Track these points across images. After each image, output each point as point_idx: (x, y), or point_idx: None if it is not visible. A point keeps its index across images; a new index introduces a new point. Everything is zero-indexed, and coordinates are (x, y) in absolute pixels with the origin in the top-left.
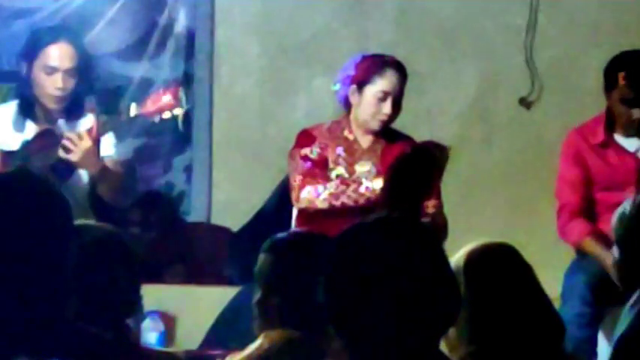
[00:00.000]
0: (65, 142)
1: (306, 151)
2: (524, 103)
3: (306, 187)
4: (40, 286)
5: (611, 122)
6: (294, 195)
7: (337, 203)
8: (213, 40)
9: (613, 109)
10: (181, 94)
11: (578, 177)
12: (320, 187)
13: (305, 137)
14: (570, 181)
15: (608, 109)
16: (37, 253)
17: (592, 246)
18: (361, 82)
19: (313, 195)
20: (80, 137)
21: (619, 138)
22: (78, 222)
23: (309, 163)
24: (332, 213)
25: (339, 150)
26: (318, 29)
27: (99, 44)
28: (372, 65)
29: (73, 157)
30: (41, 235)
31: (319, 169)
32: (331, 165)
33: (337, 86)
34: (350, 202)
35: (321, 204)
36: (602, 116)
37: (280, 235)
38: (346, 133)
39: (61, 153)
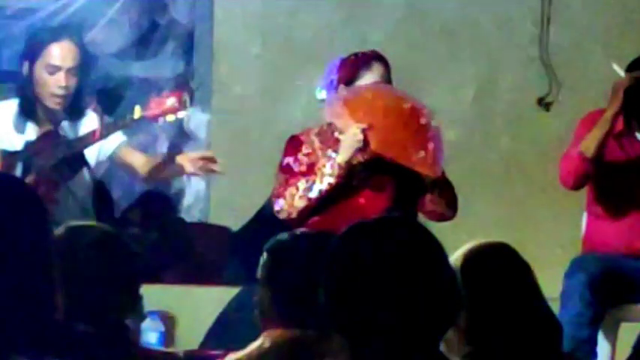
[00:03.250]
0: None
1: (289, 159)
2: (543, 103)
3: (280, 198)
4: (25, 288)
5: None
6: (274, 207)
7: (314, 195)
8: (212, 40)
9: None
10: (185, 97)
11: None
12: (292, 189)
13: (291, 144)
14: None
15: None
16: (17, 255)
17: (593, 131)
18: (349, 81)
19: (289, 200)
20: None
21: (637, 131)
22: (78, 222)
23: (288, 175)
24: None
25: (331, 152)
26: (318, 29)
27: (99, 44)
28: (357, 62)
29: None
30: (16, 237)
31: (302, 177)
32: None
33: (322, 93)
34: (326, 187)
35: (298, 203)
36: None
37: (282, 235)
38: (337, 134)
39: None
